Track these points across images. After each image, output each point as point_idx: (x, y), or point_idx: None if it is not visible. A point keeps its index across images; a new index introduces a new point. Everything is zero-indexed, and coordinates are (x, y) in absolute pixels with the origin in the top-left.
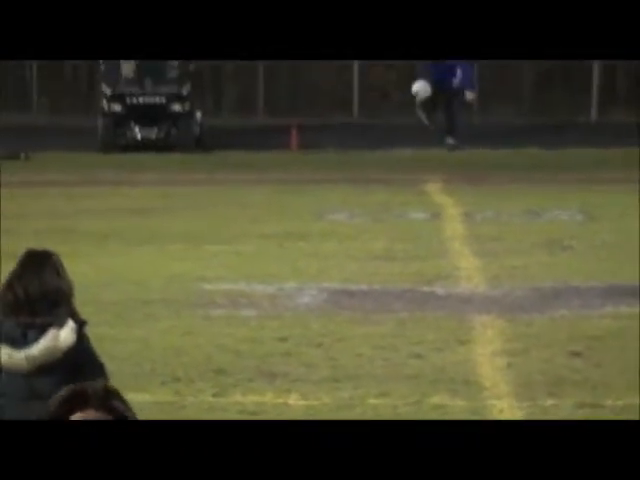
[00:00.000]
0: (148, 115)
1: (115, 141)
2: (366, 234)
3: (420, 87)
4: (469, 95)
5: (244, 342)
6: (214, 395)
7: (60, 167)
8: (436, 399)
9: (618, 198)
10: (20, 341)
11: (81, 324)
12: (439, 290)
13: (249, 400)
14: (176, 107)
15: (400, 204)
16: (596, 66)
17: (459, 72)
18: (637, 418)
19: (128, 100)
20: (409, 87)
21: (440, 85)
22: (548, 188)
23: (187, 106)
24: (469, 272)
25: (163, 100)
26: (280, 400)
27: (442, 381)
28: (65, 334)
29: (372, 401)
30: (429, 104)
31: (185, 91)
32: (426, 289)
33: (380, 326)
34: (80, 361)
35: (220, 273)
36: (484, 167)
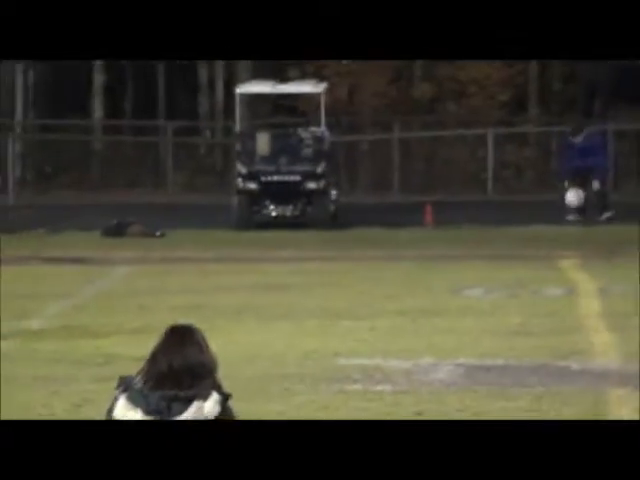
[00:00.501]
0: (283, 193)
1: (250, 218)
2: (502, 310)
3: (573, 197)
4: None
5: (380, 417)
6: None
7: (195, 244)
8: None
9: None
10: (165, 413)
11: (226, 397)
12: (574, 365)
13: None
14: (311, 185)
15: (535, 280)
16: None
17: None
18: None
19: (263, 178)
20: (542, 163)
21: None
22: None
23: (322, 184)
24: (604, 347)
25: (298, 178)
26: None
27: None
28: (209, 406)
29: None
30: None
31: (320, 169)
32: (561, 364)
33: (517, 401)
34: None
35: (355, 348)
36: (618, 243)
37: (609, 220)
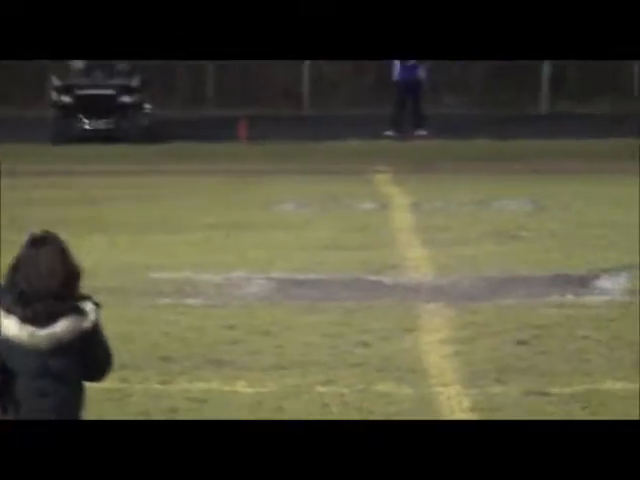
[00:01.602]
0: (97, 106)
1: (65, 132)
2: (314, 224)
3: (391, 112)
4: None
5: (191, 330)
6: (161, 382)
7: (6, 157)
8: (382, 387)
9: (565, 188)
10: (42, 321)
11: (98, 305)
12: (386, 279)
13: (196, 387)
14: (125, 99)
15: (348, 195)
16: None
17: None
18: (581, 406)
19: (78, 91)
20: (359, 78)
21: (408, 78)
22: (497, 178)
23: (136, 97)
24: (417, 262)
25: (112, 92)
26: (227, 388)
27: (389, 369)
28: (87, 316)
29: (319, 389)
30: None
31: (135, 83)
32: (373, 278)
33: (327, 314)
34: (94, 342)
35: (167, 262)
36: (433, 158)
37: (422, 137)
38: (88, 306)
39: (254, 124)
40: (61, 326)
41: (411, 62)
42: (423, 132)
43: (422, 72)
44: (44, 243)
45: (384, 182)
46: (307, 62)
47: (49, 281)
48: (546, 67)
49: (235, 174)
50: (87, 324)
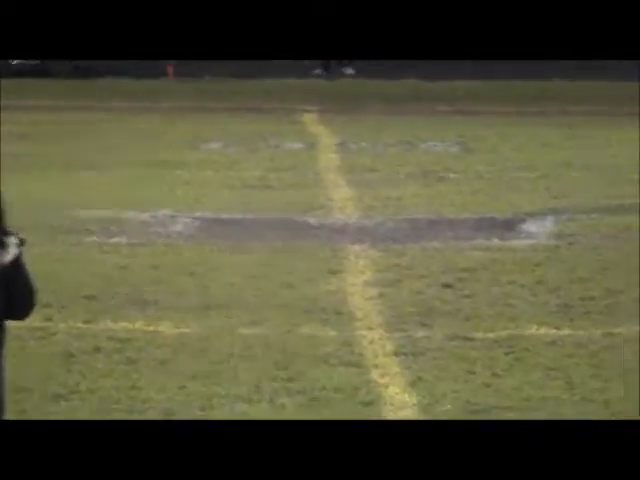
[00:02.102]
0: None
1: None
2: (241, 163)
3: None
4: None
5: (115, 269)
6: (85, 322)
7: None
8: (307, 329)
9: (492, 130)
10: None
11: (22, 241)
12: (312, 220)
13: (120, 327)
14: None
15: (276, 134)
16: None
17: None
18: (504, 351)
19: None
20: None
21: None
22: (424, 119)
23: None
24: (343, 202)
25: None
26: (151, 328)
27: (313, 311)
28: (9, 249)
29: (243, 330)
30: None
31: None
32: (299, 219)
33: (252, 255)
34: (15, 277)
35: (93, 200)
36: (360, 97)
37: (349, 76)
38: (11, 240)
39: (182, 62)
40: None
41: None
42: (350, 71)
43: None
44: None
45: (312, 122)
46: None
47: None
48: None
49: (163, 112)
50: (8, 257)
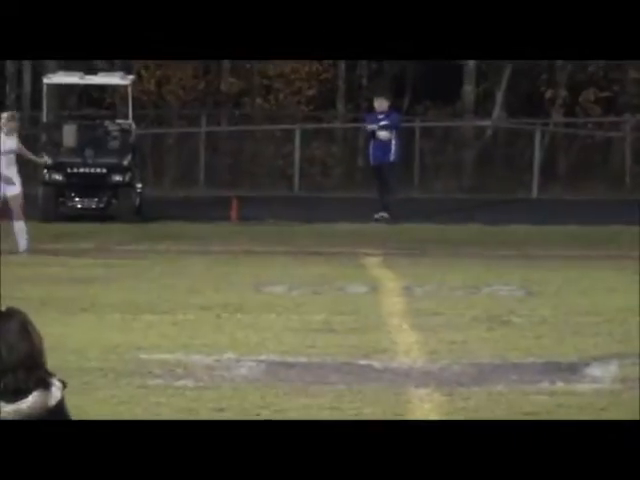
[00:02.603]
0: (89, 185)
1: (56, 210)
2: (305, 306)
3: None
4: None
5: (181, 412)
6: None
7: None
8: None
9: (557, 274)
10: (10, 398)
11: (64, 384)
12: (376, 364)
13: None
14: (117, 177)
15: (339, 277)
16: (537, 144)
17: (393, 148)
18: None
19: (69, 170)
20: (349, 160)
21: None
22: (488, 263)
23: (128, 177)
24: (407, 346)
25: (104, 170)
26: None
27: None
28: (53, 392)
29: None
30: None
31: (126, 162)
32: (364, 362)
33: (318, 398)
34: (59, 419)
35: (157, 343)
36: (424, 242)
37: (377, 221)
38: (54, 383)
39: (245, 205)
40: (27, 403)
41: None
42: (385, 215)
43: (393, 155)
44: (3, 319)
45: (374, 265)
46: (297, 144)
47: (10, 356)
48: (537, 153)
49: (226, 255)
50: (53, 401)
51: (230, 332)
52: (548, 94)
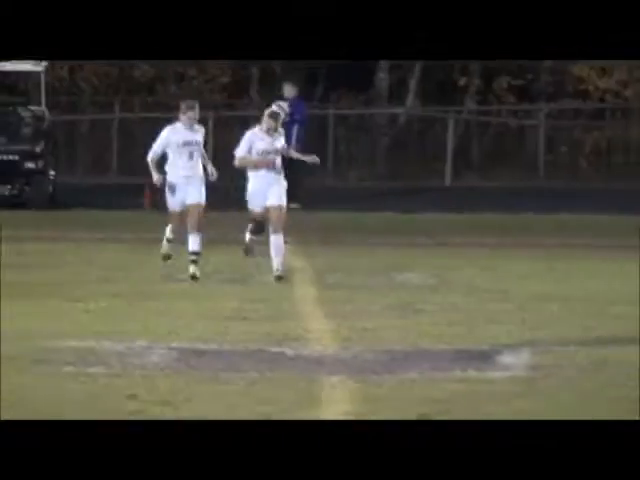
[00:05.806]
0: (1, 172)
1: None
2: (216, 294)
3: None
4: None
5: (92, 398)
6: None
7: None
8: None
9: (469, 262)
10: None
11: None
12: (289, 351)
13: None
14: (30, 165)
15: (251, 265)
16: (451, 132)
17: (294, 135)
18: None
19: None
20: None
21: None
22: (401, 251)
23: (41, 164)
24: (319, 334)
25: (16, 157)
26: None
27: None
28: None
29: None
30: None
31: (39, 149)
32: (276, 350)
33: (229, 385)
34: None
35: (69, 330)
36: (337, 229)
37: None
38: None
39: (158, 192)
40: None
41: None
42: (295, 205)
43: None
44: None
45: (287, 253)
46: (210, 130)
47: None
48: (450, 141)
49: (138, 242)
50: None
51: (142, 320)
52: (462, 82)
